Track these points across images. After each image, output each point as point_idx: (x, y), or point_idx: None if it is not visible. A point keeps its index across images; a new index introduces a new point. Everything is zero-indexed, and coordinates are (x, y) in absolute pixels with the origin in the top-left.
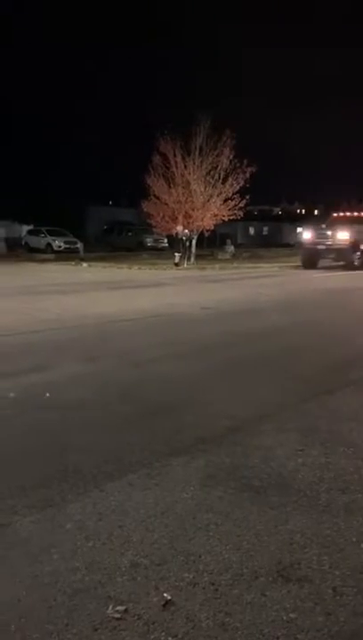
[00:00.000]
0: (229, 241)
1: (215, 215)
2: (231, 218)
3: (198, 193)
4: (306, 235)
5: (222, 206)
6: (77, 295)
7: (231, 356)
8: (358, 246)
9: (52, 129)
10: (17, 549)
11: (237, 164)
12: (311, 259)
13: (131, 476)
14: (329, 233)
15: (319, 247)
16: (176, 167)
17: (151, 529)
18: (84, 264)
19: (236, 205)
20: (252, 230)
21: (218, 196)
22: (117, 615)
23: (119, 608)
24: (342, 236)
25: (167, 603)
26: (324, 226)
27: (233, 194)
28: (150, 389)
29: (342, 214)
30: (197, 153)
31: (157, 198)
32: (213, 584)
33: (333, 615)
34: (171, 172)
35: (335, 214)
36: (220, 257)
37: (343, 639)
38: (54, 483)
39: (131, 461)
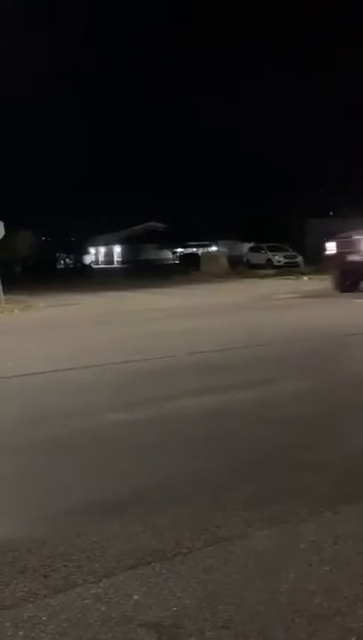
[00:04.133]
0: None
1: None
2: None
3: None
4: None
5: None
6: (309, 307)
7: None
8: None
9: (276, 149)
10: (253, 562)
11: None
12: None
13: None
14: None
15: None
16: None
17: None
18: (305, 277)
19: None
20: None
21: None
22: None
23: None
24: None
25: None
26: None
27: None
28: None
29: None
30: None
31: None
32: None
33: None
34: None
35: None
36: None
37: None
38: (287, 499)
39: None
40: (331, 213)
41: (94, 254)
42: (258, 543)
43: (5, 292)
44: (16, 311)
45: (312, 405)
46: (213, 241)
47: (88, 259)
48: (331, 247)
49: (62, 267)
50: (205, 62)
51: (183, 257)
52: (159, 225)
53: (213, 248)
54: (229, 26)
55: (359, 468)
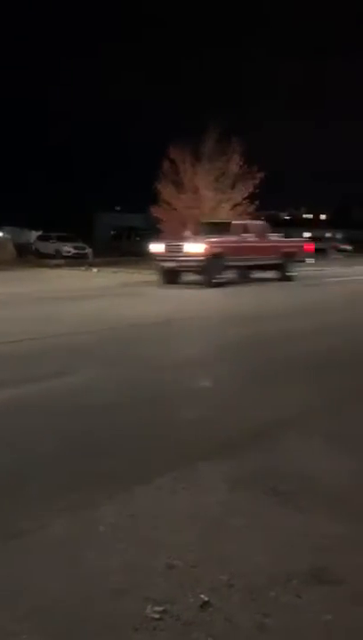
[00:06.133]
0: None
1: None
2: None
3: (207, 198)
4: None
5: (231, 212)
6: (92, 300)
7: (254, 360)
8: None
9: (62, 134)
10: (54, 551)
11: (247, 170)
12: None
13: (159, 480)
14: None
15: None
16: (186, 173)
17: (183, 532)
18: (94, 269)
19: (244, 211)
20: None
21: (227, 201)
22: (156, 616)
23: (157, 608)
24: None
25: (204, 604)
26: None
27: (242, 199)
28: (176, 395)
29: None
30: (206, 159)
31: (167, 204)
32: (248, 586)
33: None
34: (180, 178)
35: None
36: None
37: None
38: (84, 486)
39: (157, 465)
40: (118, 208)
41: None
42: (59, 532)
43: None
44: None
45: (108, 394)
46: None
47: None
48: None
49: None
50: None
51: None
52: None
53: None
54: None
55: (148, 451)
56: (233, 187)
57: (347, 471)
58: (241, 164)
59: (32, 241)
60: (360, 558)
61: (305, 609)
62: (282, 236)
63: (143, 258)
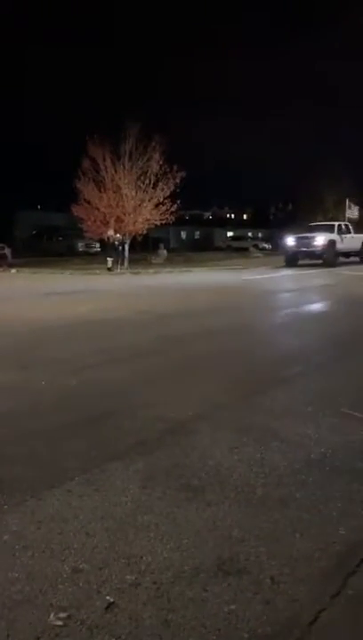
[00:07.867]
0: (161, 245)
1: (147, 220)
2: (163, 222)
3: (129, 197)
4: None
5: (154, 211)
6: (8, 302)
7: (167, 359)
8: None
9: None
10: None
11: (167, 169)
12: None
13: (69, 484)
14: None
15: None
16: (106, 171)
17: (92, 534)
18: (13, 270)
19: (167, 210)
20: (184, 235)
21: (149, 200)
22: (60, 622)
23: (61, 615)
24: None
25: (110, 605)
26: None
27: (164, 198)
28: (87, 396)
29: None
30: (126, 157)
31: (88, 202)
32: (155, 583)
33: (271, 603)
34: (101, 177)
35: None
36: (153, 261)
37: (282, 625)
38: None
39: (68, 469)
40: (39, 207)
41: None
42: None
43: None
44: None
45: (19, 398)
46: None
47: None
48: None
49: None
50: None
51: None
52: None
53: None
54: None
55: (59, 455)
56: (155, 186)
57: (253, 461)
58: (161, 162)
59: None
60: (263, 547)
61: (210, 601)
62: None
63: (65, 258)
